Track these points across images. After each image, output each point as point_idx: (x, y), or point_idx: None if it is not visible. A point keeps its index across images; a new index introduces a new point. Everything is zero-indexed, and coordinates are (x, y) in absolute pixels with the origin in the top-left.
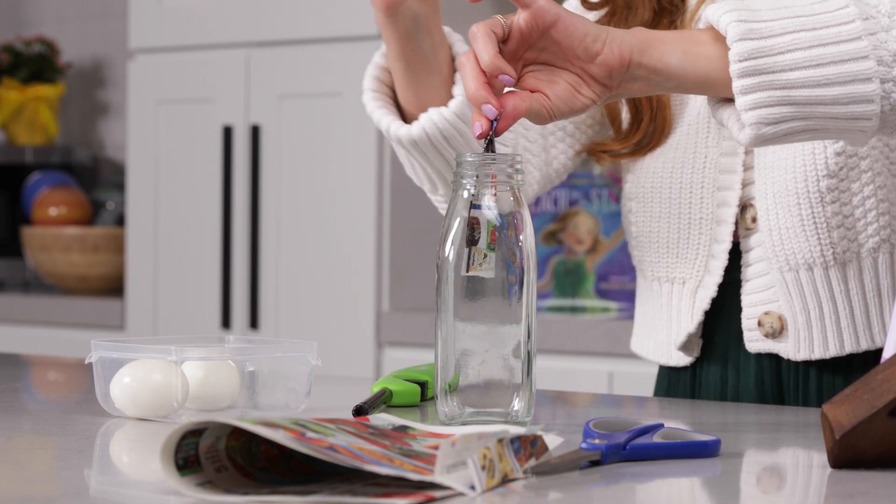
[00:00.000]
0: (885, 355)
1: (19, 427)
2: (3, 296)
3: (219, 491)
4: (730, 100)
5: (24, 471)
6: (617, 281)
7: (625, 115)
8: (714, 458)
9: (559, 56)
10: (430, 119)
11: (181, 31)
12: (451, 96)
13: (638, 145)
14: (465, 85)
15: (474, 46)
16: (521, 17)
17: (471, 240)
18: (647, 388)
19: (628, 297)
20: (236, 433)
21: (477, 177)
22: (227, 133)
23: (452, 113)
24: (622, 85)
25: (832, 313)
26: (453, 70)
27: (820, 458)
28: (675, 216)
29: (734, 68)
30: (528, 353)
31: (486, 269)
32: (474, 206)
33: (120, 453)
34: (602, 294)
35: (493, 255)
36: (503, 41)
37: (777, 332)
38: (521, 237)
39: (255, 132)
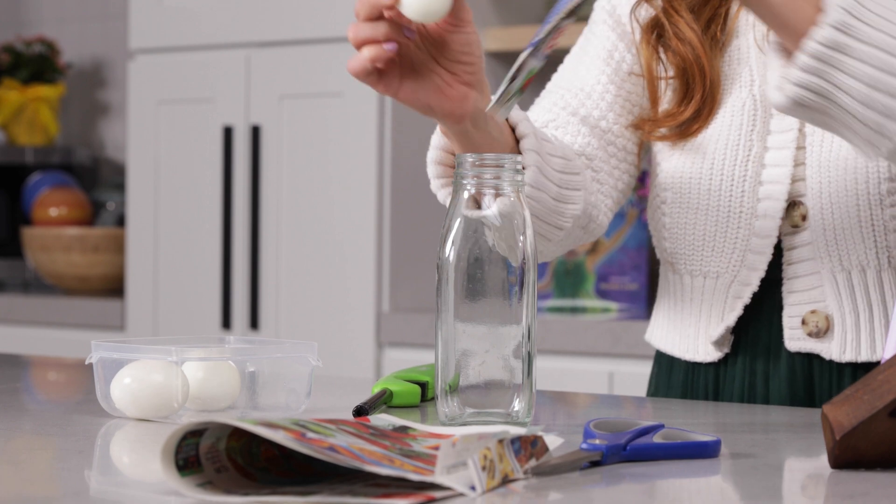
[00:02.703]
0: (886, 356)
1: (19, 427)
2: (3, 296)
3: (219, 491)
4: (789, 50)
5: (24, 471)
6: (617, 281)
7: (670, 95)
8: (714, 458)
9: None
10: None
11: (181, 31)
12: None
13: (686, 123)
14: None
15: None
16: None
17: (511, 78)
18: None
19: (628, 297)
20: (236, 434)
21: (478, 177)
22: (228, 133)
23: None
24: None
25: (882, 316)
26: (516, 143)
27: (820, 458)
28: (714, 208)
29: (811, 46)
30: (529, 353)
31: (504, 110)
32: (531, 45)
33: (120, 454)
34: (602, 294)
35: (515, 101)
36: None
37: (822, 332)
38: (521, 238)
39: (256, 132)
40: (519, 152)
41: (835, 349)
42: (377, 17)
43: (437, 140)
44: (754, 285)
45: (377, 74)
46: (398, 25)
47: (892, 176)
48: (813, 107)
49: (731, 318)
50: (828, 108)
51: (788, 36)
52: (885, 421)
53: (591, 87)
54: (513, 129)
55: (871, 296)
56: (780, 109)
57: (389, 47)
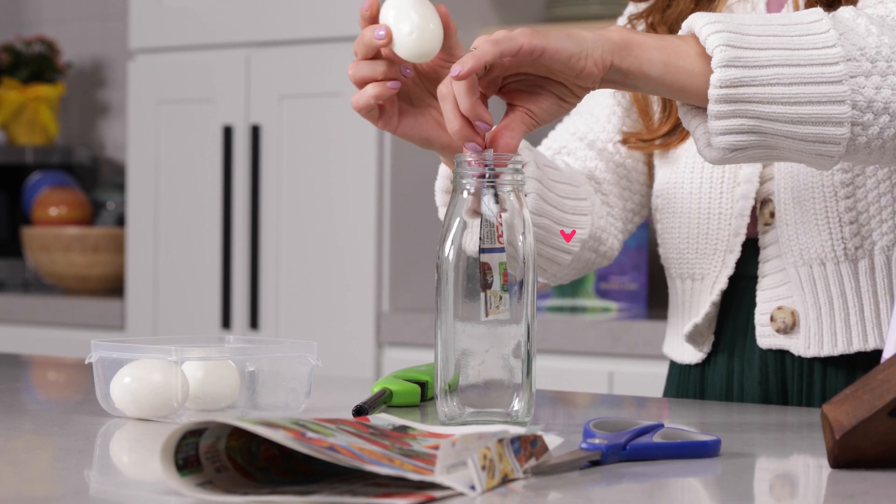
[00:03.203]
0: (885, 355)
1: (19, 427)
2: (3, 296)
3: (219, 491)
4: (701, 107)
5: (24, 471)
6: (617, 281)
7: (656, 106)
8: (714, 458)
9: (543, 72)
10: None
11: (181, 31)
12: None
13: (670, 135)
14: (448, 121)
15: (455, 90)
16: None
17: (484, 284)
18: (647, 388)
19: (628, 297)
20: (236, 433)
21: (477, 177)
22: (227, 133)
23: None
24: (602, 85)
25: (842, 309)
26: None
27: (820, 458)
28: (696, 212)
29: (713, 93)
30: (528, 353)
31: (504, 311)
32: (483, 250)
33: (120, 453)
34: (602, 294)
35: (507, 297)
36: (486, 72)
37: (789, 328)
38: (520, 237)
39: (255, 132)
40: None
41: (801, 344)
42: (374, 55)
43: (444, 169)
44: (723, 283)
45: (378, 111)
46: (395, 64)
47: (846, 167)
48: (748, 146)
49: (700, 316)
50: (763, 141)
51: (692, 97)
52: (884, 420)
53: (599, 110)
54: None
55: (831, 289)
56: (717, 163)
57: (393, 85)
